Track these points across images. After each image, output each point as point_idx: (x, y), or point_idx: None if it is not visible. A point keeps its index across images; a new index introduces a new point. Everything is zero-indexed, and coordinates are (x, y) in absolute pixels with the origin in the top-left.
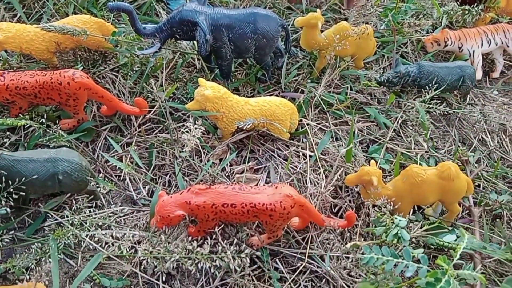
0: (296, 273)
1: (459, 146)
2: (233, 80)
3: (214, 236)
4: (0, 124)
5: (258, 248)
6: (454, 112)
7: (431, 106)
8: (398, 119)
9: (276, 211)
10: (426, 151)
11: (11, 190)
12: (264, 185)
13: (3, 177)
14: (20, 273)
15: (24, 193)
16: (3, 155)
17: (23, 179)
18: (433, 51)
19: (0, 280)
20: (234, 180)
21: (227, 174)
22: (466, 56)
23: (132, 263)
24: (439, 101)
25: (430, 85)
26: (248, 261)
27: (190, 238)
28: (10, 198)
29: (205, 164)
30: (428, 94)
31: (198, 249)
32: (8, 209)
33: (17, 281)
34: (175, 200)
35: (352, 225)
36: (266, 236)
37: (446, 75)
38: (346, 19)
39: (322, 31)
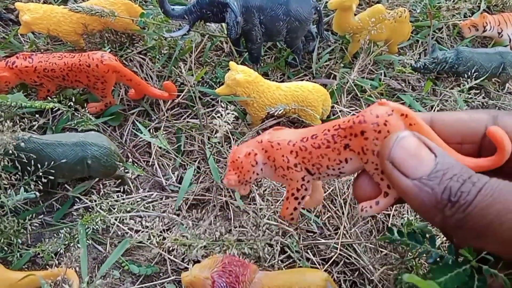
0: (329, 263)
1: None
2: (262, 64)
3: (243, 223)
4: (29, 107)
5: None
6: (493, 102)
7: (470, 96)
8: (434, 107)
9: (367, 121)
10: None
11: (40, 173)
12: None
13: (32, 161)
14: (49, 258)
15: (53, 177)
16: (32, 138)
17: (52, 162)
18: (470, 36)
19: (29, 264)
20: None
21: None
22: (505, 42)
23: (162, 249)
24: (477, 90)
25: (468, 72)
26: (279, 249)
27: (218, 224)
28: (39, 182)
29: None
30: (467, 83)
31: (227, 235)
32: (37, 193)
33: (46, 265)
34: (247, 144)
35: None
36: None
37: (485, 62)
38: (378, 2)
39: (355, 14)
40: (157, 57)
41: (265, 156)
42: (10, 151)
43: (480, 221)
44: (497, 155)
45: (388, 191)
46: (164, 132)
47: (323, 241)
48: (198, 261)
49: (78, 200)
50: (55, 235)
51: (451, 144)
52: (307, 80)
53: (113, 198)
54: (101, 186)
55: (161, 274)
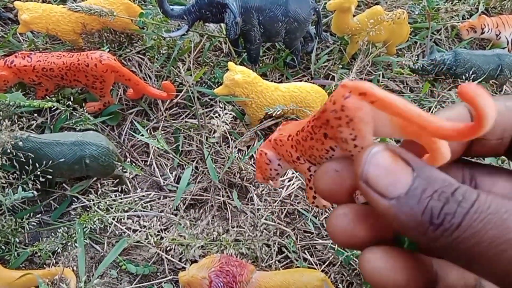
0: (326, 264)
1: None
2: (261, 65)
3: (240, 223)
4: (27, 106)
5: None
6: None
7: None
8: (432, 109)
9: (326, 110)
10: None
11: (38, 173)
12: None
13: (30, 160)
14: (46, 257)
15: (50, 176)
16: (30, 137)
17: (50, 162)
18: (468, 38)
19: (26, 263)
20: None
21: (254, 162)
22: (503, 44)
23: (159, 248)
24: None
25: (466, 74)
26: (276, 249)
27: (215, 224)
28: (37, 181)
29: (233, 151)
30: None
31: (224, 235)
32: (35, 192)
33: (44, 265)
34: (263, 144)
35: None
36: None
37: (483, 64)
38: (377, 3)
39: (353, 16)
40: (156, 57)
41: (276, 153)
42: (8, 150)
43: (472, 248)
44: (475, 122)
45: None
46: (162, 132)
47: (320, 241)
48: (196, 261)
49: (76, 200)
50: (52, 234)
51: (492, 140)
52: (305, 81)
53: (111, 197)
54: (99, 186)
55: (158, 274)
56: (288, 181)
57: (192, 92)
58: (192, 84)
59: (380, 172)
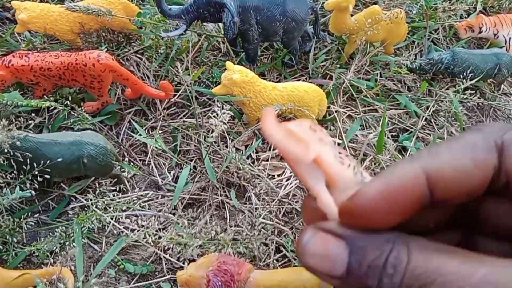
0: None
1: None
2: (259, 64)
3: (238, 222)
4: (25, 106)
5: None
6: (488, 103)
7: (465, 97)
8: (430, 108)
9: None
10: None
11: (36, 172)
12: None
13: (28, 159)
14: (44, 256)
15: (48, 176)
16: (28, 137)
17: (48, 161)
18: (466, 37)
19: (24, 263)
20: (259, 167)
21: (252, 161)
22: (501, 43)
23: (157, 247)
24: (473, 90)
25: (464, 73)
26: (274, 248)
27: (213, 223)
28: (35, 181)
29: (231, 150)
30: (463, 84)
31: (222, 234)
32: (33, 192)
33: (41, 264)
34: None
35: None
36: None
37: (481, 63)
38: (375, 3)
39: (351, 15)
40: (154, 56)
41: None
42: (6, 150)
43: None
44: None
45: None
46: (160, 132)
47: None
48: (194, 260)
49: (74, 199)
50: (50, 234)
51: (455, 202)
52: (303, 81)
53: (109, 197)
54: (97, 185)
55: (156, 273)
56: (286, 180)
57: (190, 92)
58: (190, 83)
59: (317, 260)
